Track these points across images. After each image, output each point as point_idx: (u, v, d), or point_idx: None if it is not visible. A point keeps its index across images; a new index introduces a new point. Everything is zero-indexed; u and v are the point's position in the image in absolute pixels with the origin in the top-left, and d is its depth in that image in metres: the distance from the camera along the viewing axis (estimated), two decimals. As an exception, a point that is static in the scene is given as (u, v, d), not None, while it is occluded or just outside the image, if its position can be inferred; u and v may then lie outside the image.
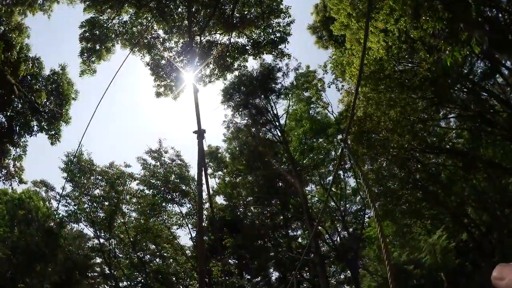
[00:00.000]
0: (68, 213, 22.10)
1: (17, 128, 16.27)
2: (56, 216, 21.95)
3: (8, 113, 15.93)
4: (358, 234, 22.97)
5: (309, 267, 25.07)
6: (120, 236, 22.94)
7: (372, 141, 21.33)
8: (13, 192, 22.14)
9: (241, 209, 28.14)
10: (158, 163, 24.84)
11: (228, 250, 24.96)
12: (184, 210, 25.72)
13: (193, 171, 26.71)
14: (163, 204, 24.89)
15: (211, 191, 25.55)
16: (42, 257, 19.73)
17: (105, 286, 25.09)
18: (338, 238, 24.64)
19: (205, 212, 24.93)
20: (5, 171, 16.78)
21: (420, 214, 18.96)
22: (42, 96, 15.77)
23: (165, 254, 23.70)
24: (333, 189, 26.64)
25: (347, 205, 24.84)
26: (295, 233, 27.85)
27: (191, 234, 25.91)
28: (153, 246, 23.71)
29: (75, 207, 22.31)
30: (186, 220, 25.43)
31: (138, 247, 22.46)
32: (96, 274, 24.85)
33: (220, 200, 28.19)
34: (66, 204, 22.46)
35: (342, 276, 25.41)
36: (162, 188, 24.92)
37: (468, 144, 16.64)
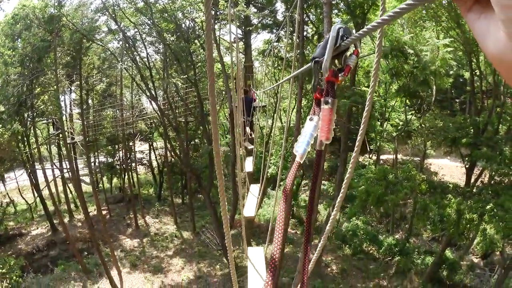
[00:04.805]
0: (65, -9, 19.26)
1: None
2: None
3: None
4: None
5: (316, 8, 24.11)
6: (122, -17, 20.68)
7: None
8: (5, 16, 19.13)
9: None
10: None
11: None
12: None
13: None
14: None
15: None
16: (49, 47, 19.01)
17: (114, 41, 25.26)
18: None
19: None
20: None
21: (438, 19, 17.38)
22: None
23: (170, -12, 21.93)
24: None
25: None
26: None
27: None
28: (158, -15, 21.66)
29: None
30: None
31: (143, -11, 20.68)
32: (104, 34, 24.41)
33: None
34: (63, -17, 19.27)
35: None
36: None
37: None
